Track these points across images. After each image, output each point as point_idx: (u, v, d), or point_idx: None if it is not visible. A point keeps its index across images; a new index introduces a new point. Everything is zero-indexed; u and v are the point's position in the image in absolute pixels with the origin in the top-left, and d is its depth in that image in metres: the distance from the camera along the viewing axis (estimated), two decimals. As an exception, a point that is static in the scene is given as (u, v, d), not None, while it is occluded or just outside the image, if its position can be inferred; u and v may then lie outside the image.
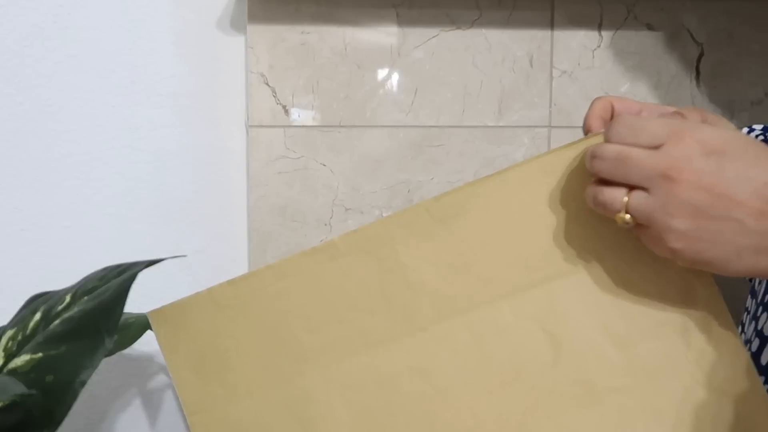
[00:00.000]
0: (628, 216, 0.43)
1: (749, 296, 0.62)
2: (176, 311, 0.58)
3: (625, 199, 0.43)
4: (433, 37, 0.86)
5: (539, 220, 0.51)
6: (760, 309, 0.57)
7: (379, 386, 0.54)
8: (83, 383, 0.54)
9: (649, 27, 0.89)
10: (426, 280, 0.53)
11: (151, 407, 0.89)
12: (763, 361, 0.56)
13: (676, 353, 0.49)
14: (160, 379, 0.89)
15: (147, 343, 0.86)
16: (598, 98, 0.51)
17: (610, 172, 0.44)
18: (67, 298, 0.61)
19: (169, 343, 0.58)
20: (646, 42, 0.89)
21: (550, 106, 0.88)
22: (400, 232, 0.54)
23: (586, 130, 0.50)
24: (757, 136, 0.61)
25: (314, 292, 0.55)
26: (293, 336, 0.55)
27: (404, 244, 0.54)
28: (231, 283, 0.56)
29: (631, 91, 0.89)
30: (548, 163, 0.51)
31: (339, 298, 0.55)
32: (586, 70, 0.88)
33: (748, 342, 0.58)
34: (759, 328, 0.57)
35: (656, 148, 0.42)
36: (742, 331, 0.61)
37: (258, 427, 0.56)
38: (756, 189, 0.40)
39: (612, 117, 0.51)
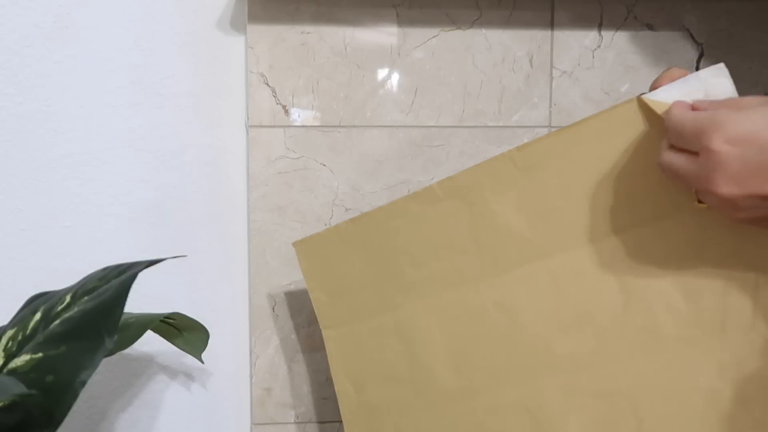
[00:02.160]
0: (702, 203, 0.48)
1: None
2: (314, 242, 0.68)
3: (693, 191, 0.48)
4: (433, 37, 0.86)
5: (616, 170, 0.53)
6: None
7: (468, 317, 0.59)
8: (83, 383, 0.54)
9: (649, 27, 0.89)
10: (511, 225, 0.57)
11: (151, 407, 0.89)
12: None
13: (744, 310, 0.50)
14: (160, 379, 0.89)
15: (147, 343, 0.86)
16: (676, 68, 0.55)
17: (673, 179, 0.48)
18: (67, 298, 0.61)
19: (308, 268, 0.69)
20: (646, 42, 0.89)
21: (550, 106, 0.88)
22: (488, 180, 0.58)
23: (653, 87, 0.54)
24: None
25: (417, 231, 0.62)
26: (400, 269, 0.63)
27: (492, 191, 0.58)
28: (352, 220, 0.66)
29: (631, 91, 0.89)
30: (620, 115, 0.52)
31: (437, 237, 0.60)
32: (586, 70, 0.88)
33: None
34: None
35: (696, 153, 0.46)
36: None
37: (373, 344, 0.65)
38: None
39: None
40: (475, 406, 0.60)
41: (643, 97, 0.51)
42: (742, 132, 0.43)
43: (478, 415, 0.60)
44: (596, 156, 0.53)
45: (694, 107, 0.48)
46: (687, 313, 0.51)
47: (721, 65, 0.49)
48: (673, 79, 0.53)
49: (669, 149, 0.48)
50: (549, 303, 0.56)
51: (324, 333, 0.69)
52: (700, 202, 0.48)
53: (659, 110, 0.49)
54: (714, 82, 0.49)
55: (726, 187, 0.44)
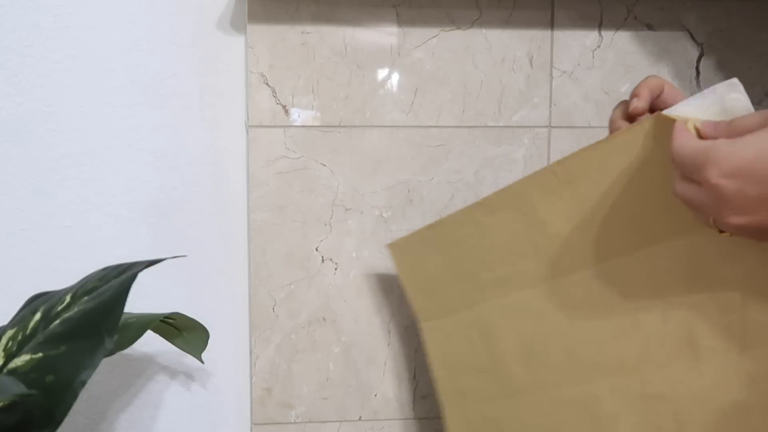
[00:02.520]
0: (723, 233, 0.48)
1: None
2: (404, 244, 0.75)
3: (711, 220, 0.48)
4: (433, 37, 0.86)
5: (650, 182, 0.55)
6: None
7: (533, 317, 0.64)
8: (83, 383, 0.54)
9: (649, 27, 0.89)
10: (561, 233, 0.60)
11: (151, 407, 0.89)
12: None
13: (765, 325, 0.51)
14: (160, 379, 0.89)
15: (147, 343, 0.86)
16: (654, 76, 0.59)
17: (686, 204, 0.49)
18: (67, 298, 0.61)
19: (402, 268, 0.76)
20: (646, 42, 0.89)
21: (550, 106, 0.88)
22: (536, 192, 0.62)
23: (633, 95, 0.58)
24: None
25: (483, 238, 0.67)
26: (474, 271, 0.68)
27: (540, 202, 0.61)
28: (430, 226, 0.72)
29: (631, 91, 0.89)
30: (644, 130, 0.54)
31: (501, 243, 0.65)
32: (586, 70, 0.88)
33: None
34: None
35: (699, 183, 0.46)
36: None
37: (460, 336, 0.70)
38: None
39: (660, 94, 0.59)
40: (543, 399, 0.64)
41: (662, 113, 0.53)
42: (737, 166, 0.43)
43: (545, 407, 0.64)
44: (629, 168, 0.55)
45: (700, 134, 0.49)
46: (720, 326, 0.53)
47: (735, 81, 0.50)
48: (650, 88, 0.56)
49: (680, 179, 0.49)
50: (599, 308, 0.59)
51: (421, 326, 0.75)
52: (720, 231, 0.48)
53: (670, 126, 0.50)
54: (730, 97, 0.50)
55: (735, 219, 0.45)
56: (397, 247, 0.77)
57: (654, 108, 0.59)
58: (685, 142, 0.47)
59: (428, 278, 0.73)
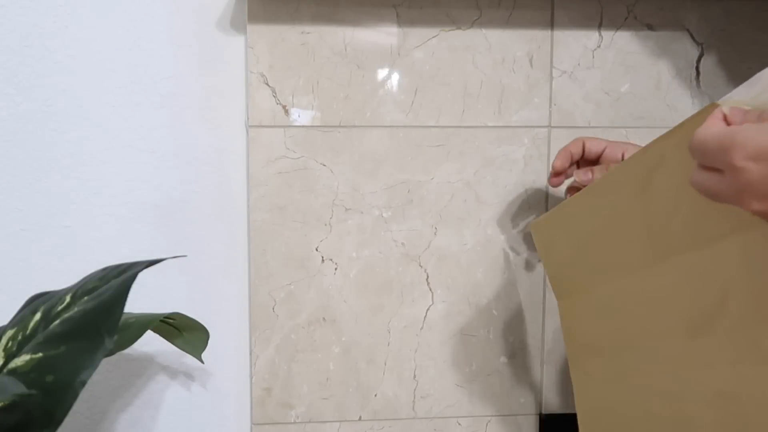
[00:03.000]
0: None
1: None
2: (544, 223, 0.77)
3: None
4: (433, 37, 0.86)
5: None
6: None
7: (636, 302, 0.65)
8: (83, 383, 0.54)
9: (649, 27, 0.89)
10: (654, 222, 0.61)
11: (151, 407, 0.89)
12: None
13: None
14: (160, 379, 0.89)
15: (147, 343, 0.86)
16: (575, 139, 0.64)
17: (710, 199, 0.48)
18: (67, 298, 0.61)
19: (540, 246, 0.78)
20: (646, 42, 0.89)
21: (550, 106, 0.88)
22: (630, 179, 0.62)
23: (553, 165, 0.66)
24: None
25: (594, 221, 0.69)
26: (592, 252, 0.70)
27: (637, 188, 0.61)
28: (561, 205, 0.75)
29: (631, 91, 0.89)
30: (701, 119, 0.53)
31: (611, 226, 0.66)
32: (586, 70, 0.88)
33: None
34: None
35: (721, 171, 0.45)
36: None
37: (584, 317, 0.73)
38: None
39: (582, 155, 0.66)
40: (642, 385, 0.65)
41: (719, 101, 0.51)
42: (763, 148, 0.42)
43: (644, 394, 0.65)
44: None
45: (728, 121, 0.48)
46: None
47: None
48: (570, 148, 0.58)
49: (699, 168, 0.48)
50: (683, 299, 0.59)
51: (559, 303, 0.77)
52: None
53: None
54: None
55: (756, 204, 0.44)
56: (537, 226, 0.78)
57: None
58: (710, 126, 0.46)
59: (560, 257, 0.75)
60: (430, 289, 0.89)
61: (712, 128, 0.46)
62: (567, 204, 0.73)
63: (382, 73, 0.86)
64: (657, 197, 0.60)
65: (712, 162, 0.46)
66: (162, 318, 0.77)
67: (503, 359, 0.91)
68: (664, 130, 0.56)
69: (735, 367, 0.55)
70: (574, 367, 0.75)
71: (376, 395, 0.89)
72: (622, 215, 0.64)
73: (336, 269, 0.87)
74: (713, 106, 0.51)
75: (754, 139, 0.43)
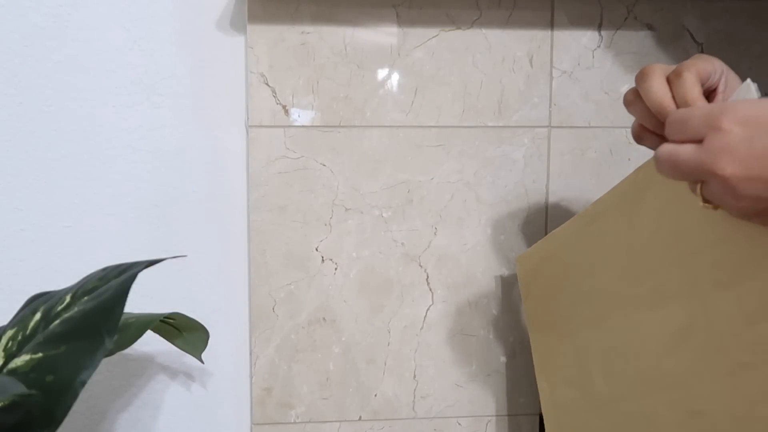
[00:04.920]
0: (708, 204, 0.47)
1: None
2: (527, 256, 0.76)
3: (698, 189, 0.47)
4: (433, 37, 0.86)
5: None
6: None
7: (609, 332, 0.64)
8: (83, 383, 0.54)
9: (649, 27, 0.89)
10: (636, 247, 0.61)
11: (151, 407, 0.89)
12: None
13: None
14: (160, 379, 0.89)
15: (147, 343, 0.86)
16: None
17: (672, 172, 0.48)
18: (67, 298, 0.61)
19: (522, 280, 0.77)
20: (646, 42, 0.89)
21: (550, 106, 0.88)
22: (618, 203, 0.63)
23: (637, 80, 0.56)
24: None
25: (582, 253, 0.68)
26: (567, 286, 0.70)
27: (620, 218, 0.62)
28: (545, 239, 0.74)
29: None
30: None
31: (602, 258, 0.65)
32: (586, 70, 0.88)
33: None
34: None
35: (700, 141, 0.45)
36: None
37: (557, 350, 0.72)
38: None
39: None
40: (620, 411, 0.65)
41: None
42: (754, 114, 0.43)
43: (618, 420, 0.65)
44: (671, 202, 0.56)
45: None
46: (750, 340, 0.52)
47: (749, 82, 0.51)
48: (651, 75, 0.54)
49: (670, 142, 0.48)
50: (654, 321, 0.60)
51: (530, 337, 0.77)
52: (705, 202, 0.47)
53: None
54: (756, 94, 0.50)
55: (730, 168, 0.44)
56: (521, 259, 0.78)
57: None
58: (698, 105, 0.48)
59: (539, 292, 0.75)
60: (430, 289, 0.89)
61: (700, 106, 0.47)
62: (553, 235, 0.73)
63: (382, 73, 0.86)
64: (641, 227, 0.60)
65: (695, 130, 0.46)
66: (162, 318, 0.77)
67: (503, 359, 0.91)
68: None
69: (705, 385, 0.55)
70: (546, 401, 0.76)
71: (376, 395, 0.89)
72: (608, 245, 0.65)
73: (336, 269, 0.87)
74: None
75: (745, 105, 0.44)
